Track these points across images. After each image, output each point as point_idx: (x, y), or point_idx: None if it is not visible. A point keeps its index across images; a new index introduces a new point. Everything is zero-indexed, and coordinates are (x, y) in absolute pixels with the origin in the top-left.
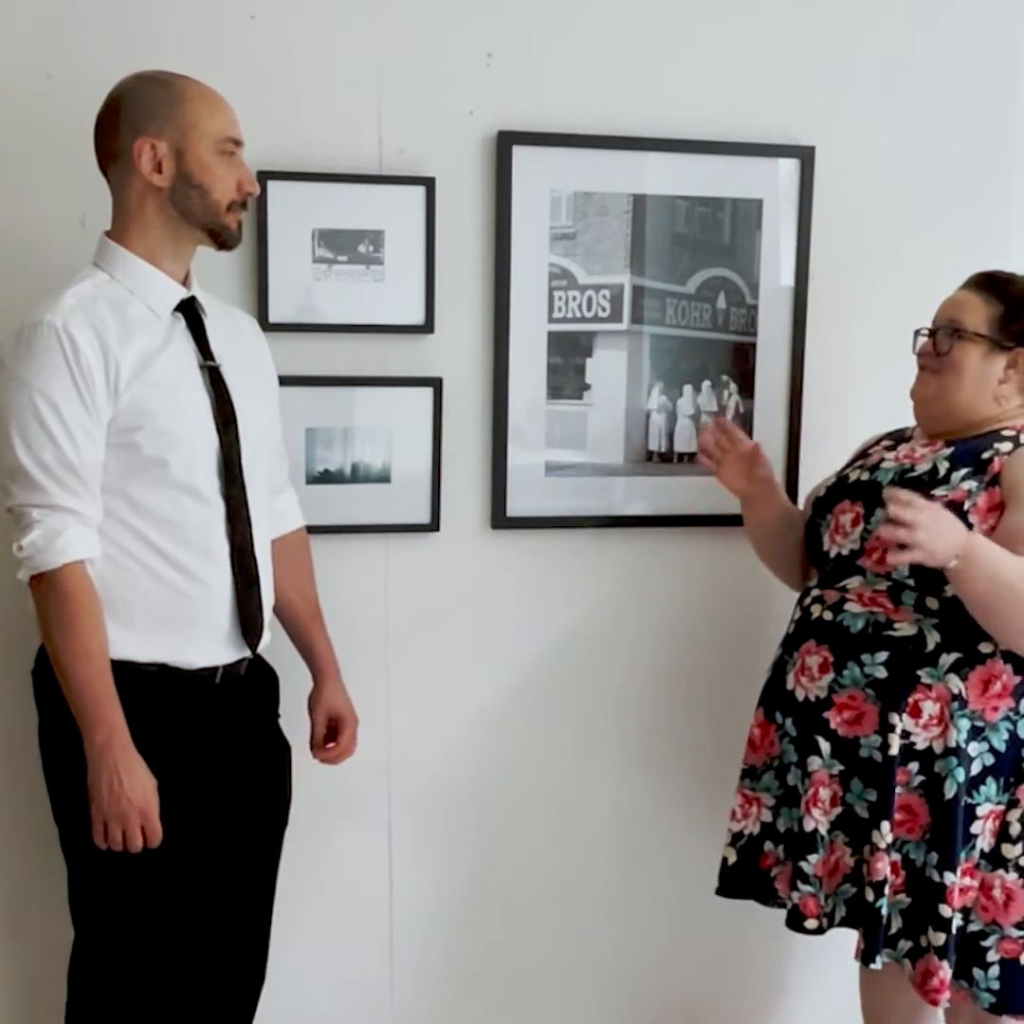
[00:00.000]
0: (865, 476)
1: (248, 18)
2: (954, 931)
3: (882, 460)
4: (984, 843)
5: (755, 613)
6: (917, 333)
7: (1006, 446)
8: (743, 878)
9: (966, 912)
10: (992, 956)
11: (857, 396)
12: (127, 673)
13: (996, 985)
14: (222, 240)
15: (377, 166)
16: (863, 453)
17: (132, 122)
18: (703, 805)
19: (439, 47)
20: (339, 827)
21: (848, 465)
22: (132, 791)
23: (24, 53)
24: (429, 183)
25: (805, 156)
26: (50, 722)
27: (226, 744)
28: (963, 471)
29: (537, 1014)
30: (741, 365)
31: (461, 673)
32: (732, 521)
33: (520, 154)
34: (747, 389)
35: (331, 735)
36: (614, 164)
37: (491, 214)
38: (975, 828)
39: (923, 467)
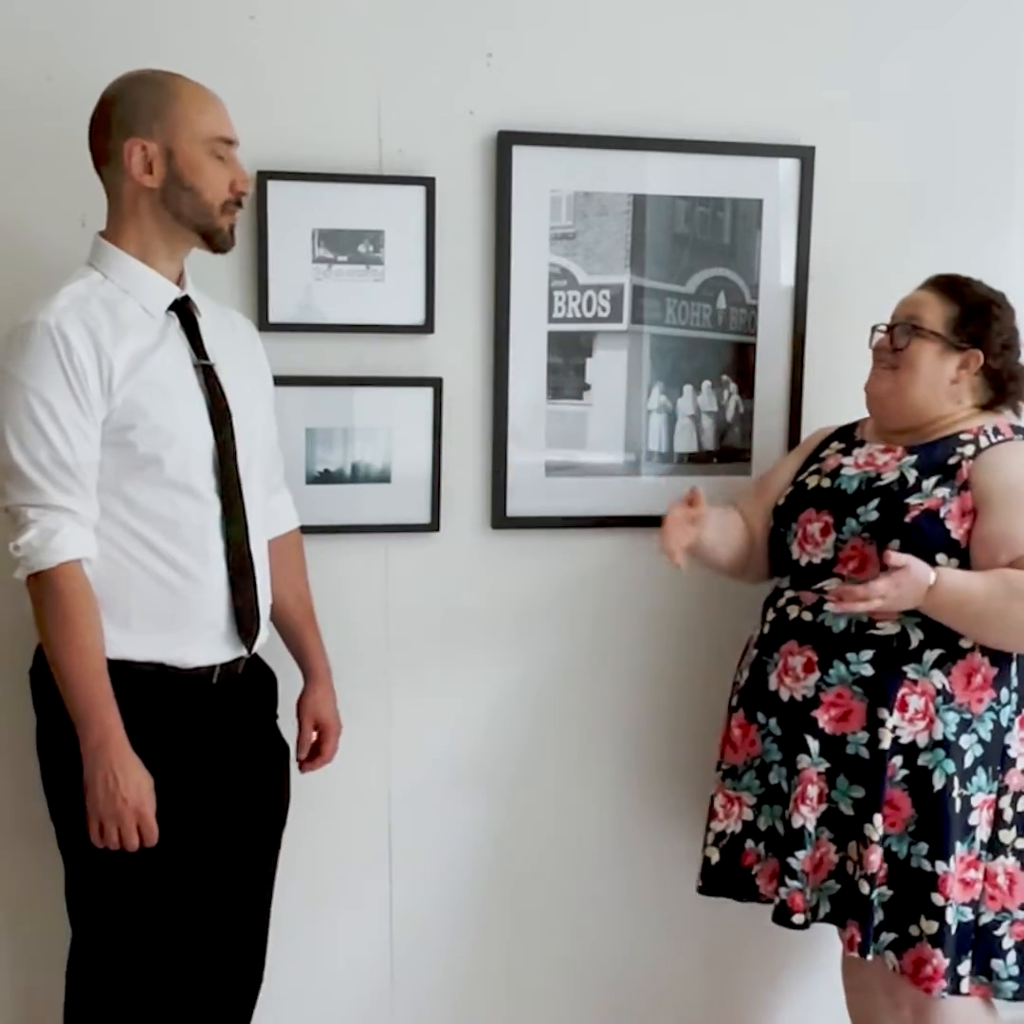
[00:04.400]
0: (827, 483)
1: (248, 18)
2: (950, 921)
3: (841, 466)
4: (983, 833)
5: (754, 613)
6: (874, 329)
7: (969, 449)
8: (725, 876)
9: (975, 905)
10: (1007, 943)
11: (857, 396)
12: (124, 672)
13: (1015, 971)
14: (214, 243)
15: (377, 166)
16: (815, 456)
17: (123, 122)
18: (705, 804)
19: (439, 47)
20: (339, 827)
21: (803, 469)
22: (128, 790)
23: (24, 54)
24: (429, 183)
25: (805, 156)
26: (47, 722)
27: (224, 744)
28: (933, 479)
29: (537, 1015)
30: (741, 365)
31: (461, 673)
32: None
33: (520, 154)
34: (747, 389)
35: (315, 742)
36: (614, 164)
37: (491, 214)
38: (973, 819)
39: (890, 476)
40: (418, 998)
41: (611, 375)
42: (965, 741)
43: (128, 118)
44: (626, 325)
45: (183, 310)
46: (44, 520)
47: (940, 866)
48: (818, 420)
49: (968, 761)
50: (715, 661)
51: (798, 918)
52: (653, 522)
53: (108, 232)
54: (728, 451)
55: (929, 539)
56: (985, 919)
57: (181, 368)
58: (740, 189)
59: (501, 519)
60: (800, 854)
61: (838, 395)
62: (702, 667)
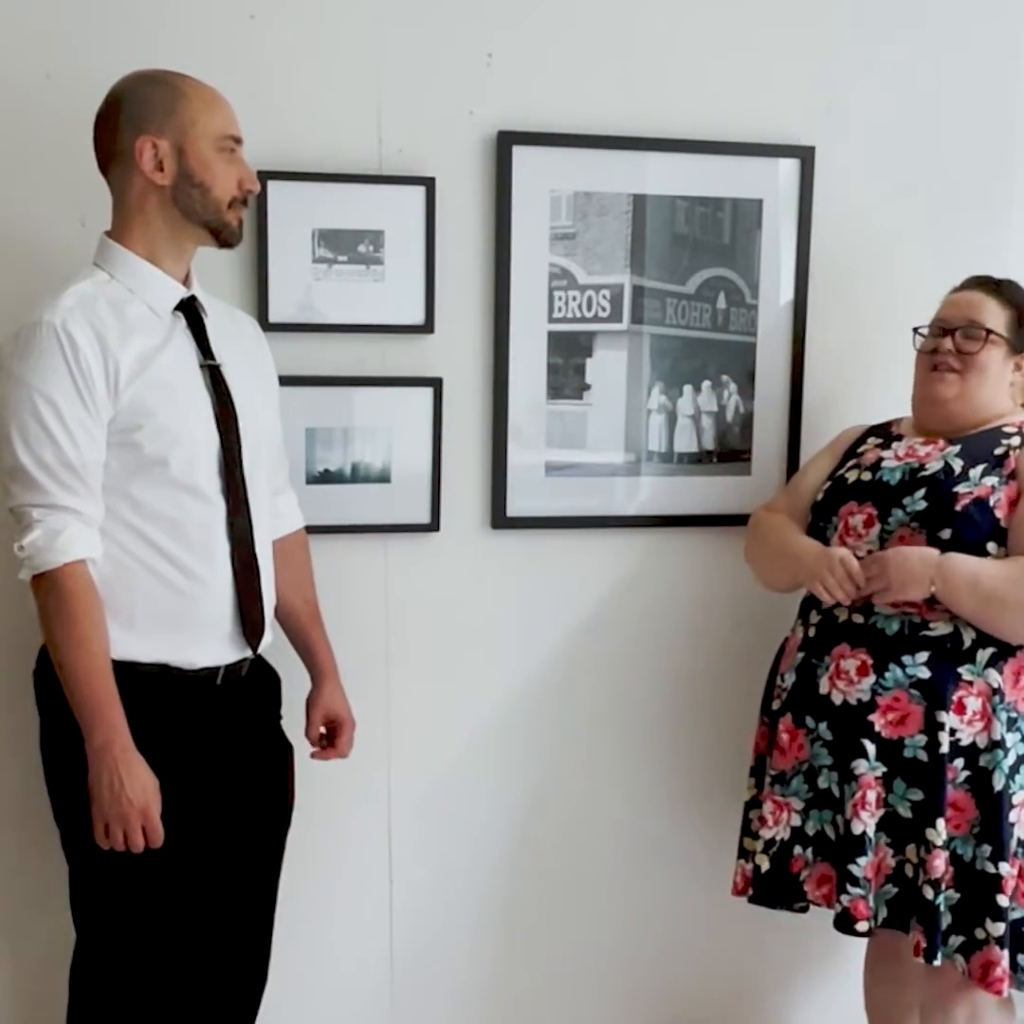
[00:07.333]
0: (867, 476)
1: (248, 18)
2: (1009, 920)
3: (881, 459)
4: (1020, 831)
5: (755, 612)
6: (916, 331)
7: (1015, 440)
8: (775, 884)
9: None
10: None
11: (857, 396)
12: (128, 673)
13: None
14: (223, 238)
15: (377, 166)
16: (852, 451)
17: (132, 121)
18: (706, 803)
19: (439, 47)
20: (339, 827)
21: (841, 465)
22: (133, 791)
23: (24, 53)
24: (429, 183)
25: (805, 156)
26: (51, 723)
27: (228, 745)
28: (980, 468)
29: (538, 1016)
30: (741, 365)
31: (461, 673)
32: (732, 521)
33: (520, 154)
34: (747, 389)
35: (328, 737)
36: (614, 164)
37: (491, 214)
38: (1013, 817)
39: (934, 466)
40: (418, 998)
41: (611, 375)
42: (1010, 739)
43: (138, 117)
44: (626, 325)
45: (190, 310)
46: (49, 520)
47: (1003, 867)
48: (818, 420)
49: (1011, 759)
50: (717, 660)
51: (861, 926)
52: (653, 522)
53: (114, 232)
54: (728, 451)
55: (979, 528)
56: (1015, 915)
57: (187, 368)
58: (740, 189)
59: (501, 519)
60: (861, 861)
61: (838, 395)
62: (703, 666)
